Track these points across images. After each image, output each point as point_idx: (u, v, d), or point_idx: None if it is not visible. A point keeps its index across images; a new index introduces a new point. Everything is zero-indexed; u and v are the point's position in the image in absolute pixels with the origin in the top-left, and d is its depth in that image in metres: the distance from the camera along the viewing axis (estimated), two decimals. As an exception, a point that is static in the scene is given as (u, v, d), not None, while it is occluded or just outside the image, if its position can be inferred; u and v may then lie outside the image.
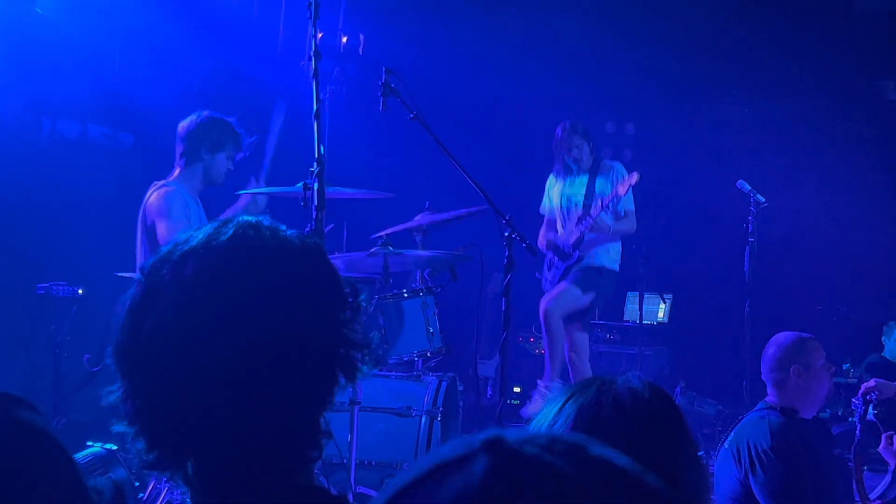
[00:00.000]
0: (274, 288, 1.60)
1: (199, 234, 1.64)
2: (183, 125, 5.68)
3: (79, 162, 7.08)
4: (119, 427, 1.62)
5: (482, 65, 9.95)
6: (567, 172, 7.60)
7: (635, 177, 7.30)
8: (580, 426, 1.81)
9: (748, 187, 7.37)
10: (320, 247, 1.71)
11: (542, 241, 7.63)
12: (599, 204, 7.29)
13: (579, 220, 7.40)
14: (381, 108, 5.64)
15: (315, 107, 4.52)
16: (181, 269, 1.60)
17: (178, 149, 5.69)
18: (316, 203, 4.31)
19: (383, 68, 5.71)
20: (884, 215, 9.48)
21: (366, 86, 6.98)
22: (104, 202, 6.96)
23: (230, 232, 1.63)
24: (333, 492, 1.76)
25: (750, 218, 7.29)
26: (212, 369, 1.55)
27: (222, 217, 5.39)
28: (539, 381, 7.39)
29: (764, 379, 4.68)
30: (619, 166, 7.65)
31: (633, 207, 7.58)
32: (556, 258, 7.56)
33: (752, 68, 9.99)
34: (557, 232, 7.54)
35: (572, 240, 7.39)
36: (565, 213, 7.58)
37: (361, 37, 9.05)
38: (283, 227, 1.71)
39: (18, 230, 6.85)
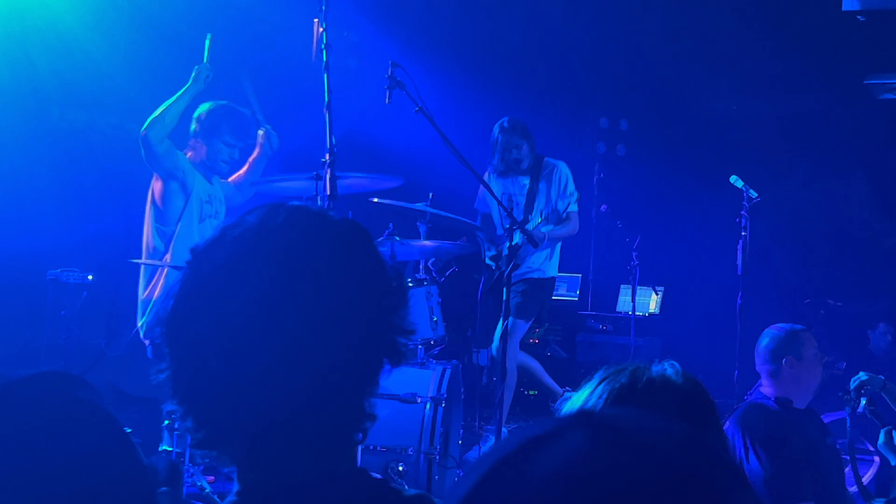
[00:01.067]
0: (325, 272, 1.60)
1: (251, 218, 1.63)
2: (197, 110, 5.83)
3: (87, 151, 7.14)
4: (168, 406, 1.68)
5: (476, 62, 10.01)
6: (507, 170, 7.31)
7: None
8: (612, 405, 1.81)
9: (741, 183, 7.46)
10: (367, 232, 1.70)
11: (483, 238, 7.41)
12: (550, 210, 7.06)
13: (521, 223, 6.78)
14: (386, 101, 5.74)
15: (326, 98, 4.63)
16: (234, 251, 1.60)
17: (189, 132, 5.87)
18: (328, 193, 4.43)
19: (389, 61, 5.82)
20: (871, 210, 9.62)
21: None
22: (114, 188, 7.03)
23: (282, 216, 1.63)
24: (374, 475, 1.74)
25: (743, 213, 7.38)
26: (261, 350, 1.55)
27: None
28: (487, 427, 7.19)
29: (758, 370, 4.78)
30: (562, 166, 7.35)
31: (576, 209, 7.32)
32: (491, 283, 7.22)
33: (744, 65, 10.09)
34: (495, 229, 7.23)
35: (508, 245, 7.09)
36: (503, 212, 7.17)
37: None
38: (331, 212, 1.73)
39: (29, 216, 6.91)
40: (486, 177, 7.30)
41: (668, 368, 1.90)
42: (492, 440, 6.92)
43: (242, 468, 1.60)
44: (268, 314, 1.56)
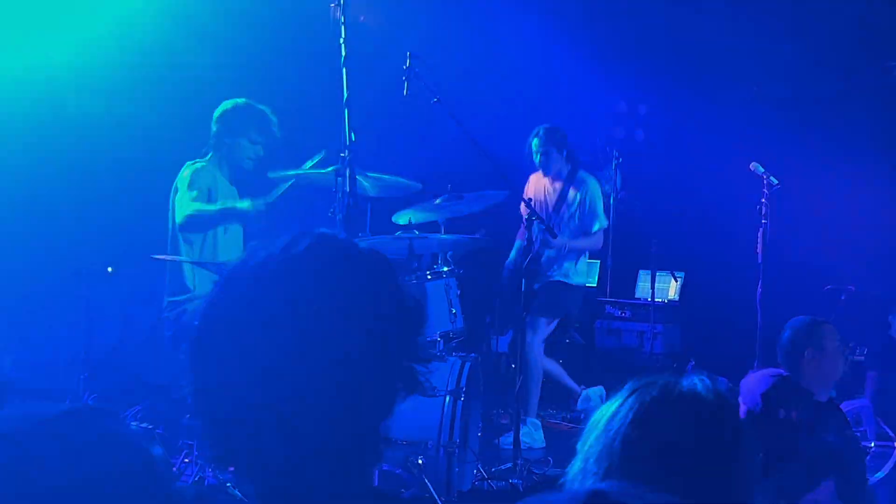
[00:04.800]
0: (346, 300, 1.62)
1: (279, 242, 1.66)
2: (219, 109, 5.81)
3: (106, 142, 7.15)
4: (188, 421, 1.71)
5: (494, 46, 9.98)
6: (544, 175, 7.48)
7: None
8: (638, 422, 1.83)
9: (762, 169, 7.42)
10: (389, 263, 1.73)
11: (521, 240, 7.41)
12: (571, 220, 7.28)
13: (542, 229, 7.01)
14: (404, 93, 5.73)
15: (346, 93, 4.62)
16: (257, 278, 1.63)
17: (211, 132, 5.82)
18: (347, 189, 4.43)
19: (407, 52, 5.80)
20: (892, 194, 9.55)
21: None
22: (132, 178, 7.05)
23: (307, 242, 1.66)
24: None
25: (763, 200, 7.35)
26: (280, 377, 1.57)
27: None
28: (525, 416, 7.13)
29: (779, 361, 4.78)
30: (591, 182, 7.46)
31: (604, 226, 7.50)
32: (512, 276, 7.38)
33: (763, 49, 10.02)
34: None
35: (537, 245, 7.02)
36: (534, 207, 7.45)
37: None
38: (357, 242, 1.74)
39: (48, 208, 6.94)
40: (529, 178, 7.57)
41: (699, 383, 1.88)
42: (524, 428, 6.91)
43: (256, 487, 1.62)
44: (288, 342, 1.58)
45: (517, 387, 6.22)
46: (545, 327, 7.35)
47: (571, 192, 7.38)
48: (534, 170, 7.59)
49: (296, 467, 1.59)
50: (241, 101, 5.80)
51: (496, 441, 6.94)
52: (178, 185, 5.68)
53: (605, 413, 1.90)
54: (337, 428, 1.59)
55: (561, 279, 7.39)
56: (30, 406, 1.52)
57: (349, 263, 1.67)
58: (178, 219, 5.56)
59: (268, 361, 1.57)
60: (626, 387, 1.93)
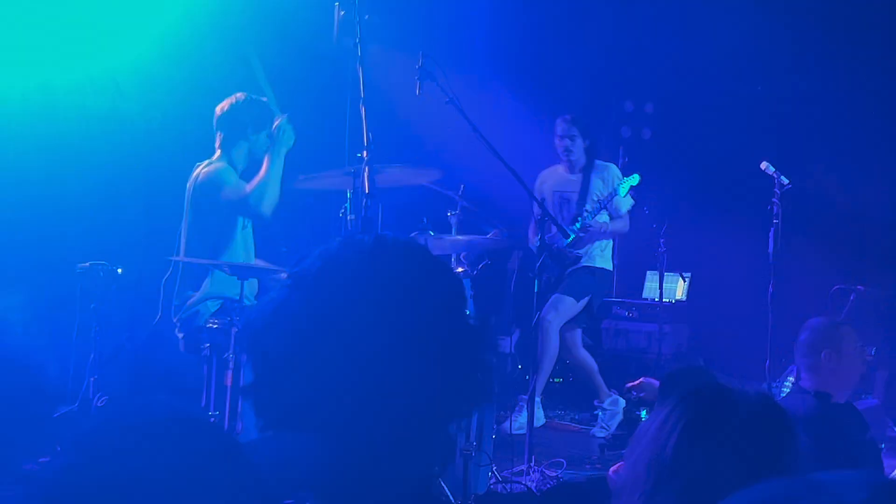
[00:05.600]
0: (420, 310, 1.64)
1: (358, 246, 1.70)
2: (222, 108, 5.73)
3: (114, 141, 7.11)
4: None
5: (498, 45, 9.95)
6: (561, 169, 7.58)
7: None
8: (692, 431, 1.82)
9: (772, 169, 7.39)
10: (458, 279, 1.83)
11: (532, 241, 7.49)
12: (600, 211, 7.35)
13: (574, 220, 7.36)
14: (416, 93, 5.70)
15: (362, 93, 4.58)
16: (326, 274, 1.65)
17: (219, 132, 5.75)
18: (366, 189, 4.39)
19: (420, 52, 5.77)
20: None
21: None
22: (141, 183, 7.02)
23: (394, 247, 1.70)
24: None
25: (774, 200, 7.31)
26: (346, 382, 1.58)
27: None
28: (521, 396, 7.27)
29: (797, 363, 4.75)
30: (613, 168, 7.66)
31: (629, 209, 7.63)
32: (550, 260, 7.26)
33: (771, 46, 9.99)
34: (548, 231, 7.37)
35: (567, 242, 7.28)
36: (557, 212, 7.48)
37: None
38: (428, 248, 1.78)
39: (60, 210, 6.91)
40: (540, 175, 7.66)
41: (749, 392, 1.88)
42: (524, 411, 6.90)
43: (317, 493, 1.63)
44: (356, 346, 1.59)
45: (531, 388, 6.17)
46: (569, 308, 7.40)
47: (596, 181, 7.47)
48: (545, 165, 7.59)
49: (357, 473, 1.59)
50: (252, 97, 5.74)
51: (502, 426, 6.88)
52: (212, 188, 5.62)
53: (654, 421, 1.88)
54: (401, 433, 1.60)
55: (587, 264, 7.50)
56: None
57: (427, 277, 1.69)
58: (266, 209, 5.47)
59: (335, 365, 1.59)
60: (675, 395, 1.91)
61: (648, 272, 9.76)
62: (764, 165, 7.44)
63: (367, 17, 9.26)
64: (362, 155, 4.42)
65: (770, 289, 7.30)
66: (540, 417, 7.24)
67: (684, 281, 9.58)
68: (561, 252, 7.29)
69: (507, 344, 8.98)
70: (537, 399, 7.27)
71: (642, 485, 1.80)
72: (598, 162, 7.58)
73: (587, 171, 7.49)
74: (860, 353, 4.77)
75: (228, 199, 5.51)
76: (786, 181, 7.36)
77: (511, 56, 10.05)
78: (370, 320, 1.61)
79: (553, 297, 7.28)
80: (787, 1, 9.59)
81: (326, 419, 1.58)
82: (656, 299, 8.91)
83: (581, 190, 7.44)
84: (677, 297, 9.67)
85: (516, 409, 7.19)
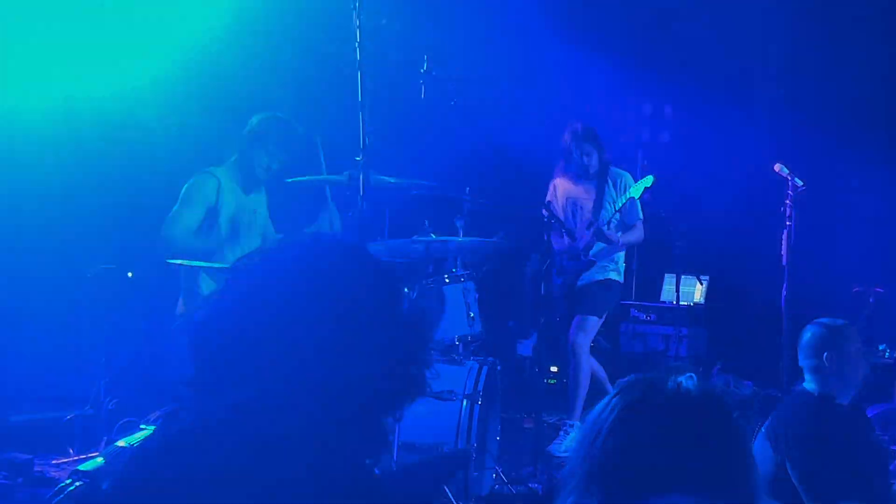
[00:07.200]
0: (359, 307, 1.70)
1: (296, 243, 1.79)
2: (249, 121, 5.88)
3: (126, 146, 7.18)
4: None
5: (517, 47, 9.95)
6: (574, 176, 7.44)
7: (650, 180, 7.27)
8: (620, 424, 1.76)
9: (786, 171, 7.34)
10: (398, 274, 1.83)
11: (556, 245, 7.44)
12: (614, 217, 7.26)
13: (589, 225, 7.27)
14: (421, 96, 5.72)
15: (360, 97, 4.62)
16: (262, 269, 1.73)
17: (240, 143, 5.92)
18: (361, 192, 4.42)
19: (424, 56, 5.80)
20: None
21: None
22: (152, 187, 7.07)
23: (329, 244, 1.78)
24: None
25: (788, 202, 7.27)
26: (279, 371, 1.65)
27: None
28: (567, 420, 7.29)
29: (800, 365, 4.72)
30: (627, 176, 7.50)
31: (641, 217, 7.50)
32: (566, 263, 7.40)
33: (788, 48, 9.94)
34: (561, 237, 7.24)
35: (582, 245, 7.24)
36: (570, 218, 7.45)
37: None
38: (366, 248, 1.86)
39: (70, 213, 6.98)
40: (553, 181, 7.52)
41: (685, 381, 1.80)
42: (571, 433, 6.97)
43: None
44: (288, 338, 1.66)
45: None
46: (594, 327, 7.37)
47: (610, 189, 7.39)
48: (557, 174, 7.54)
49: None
50: (265, 113, 5.86)
51: (547, 448, 6.88)
52: (184, 190, 5.74)
53: (592, 414, 1.84)
54: (333, 421, 1.64)
55: (602, 277, 7.43)
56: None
57: (357, 271, 1.75)
58: (163, 237, 5.58)
59: (262, 355, 1.65)
60: (615, 386, 1.87)
61: (666, 275, 9.73)
62: (778, 167, 7.39)
63: (384, 21, 9.32)
64: (359, 159, 4.46)
65: (784, 291, 7.25)
66: None
67: (702, 284, 9.54)
68: (576, 256, 7.26)
69: (526, 347, 8.98)
70: (577, 423, 7.28)
71: (575, 479, 1.78)
72: (612, 169, 7.49)
73: (601, 178, 7.40)
74: (863, 353, 4.73)
75: (171, 215, 5.62)
76: (800, 183, 7.31)
77: (529, 58, 10.05)
78: (303, 314, 1.66)
79: (576, 318, 7.21)
80: (806, 2, 9.53)
81: (260, 408, 1.62)
82: (674, 302, 8.89)
83: (595, 197, 7.38)
84: (695, 300, 9.63)
85: (561, 432, 7.20)
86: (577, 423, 7.18)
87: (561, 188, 7.49)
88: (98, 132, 7.17)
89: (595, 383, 7.63)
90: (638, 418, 1.76)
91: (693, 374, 1.81)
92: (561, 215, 7.31)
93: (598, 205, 7.34)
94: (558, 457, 6.49)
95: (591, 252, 7.27)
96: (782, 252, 7.26)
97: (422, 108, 6.04)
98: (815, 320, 4.76)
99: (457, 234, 6.12)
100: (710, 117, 10.27)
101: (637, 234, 7.52)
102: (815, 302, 6.94)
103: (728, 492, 1.71)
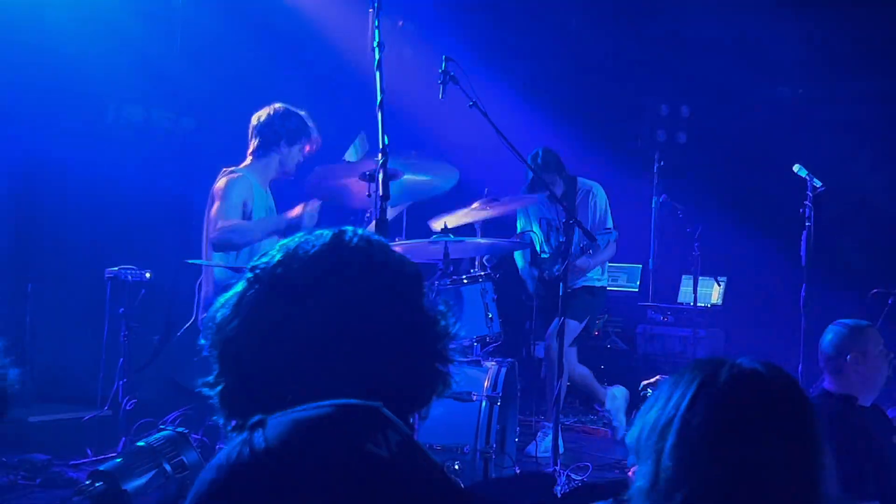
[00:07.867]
0: (387, 303, 1.70)
1: (317, 240, 1.76)
2: (259, 116, 5.78)
3: (144, 148, 7.20)
4: (216, 418, 1.73)
5: (533, 49, 9.95)
6: (543, 199, 7.26)
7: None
8: (698, 402, 1.79)
9: (805, 172, 7.31)
10: (420, 272, 1.82)
11: (521, 266, 7.55)
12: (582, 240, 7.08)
13: (560, 247, 7.04)
14: (440, 97, 5.70)
15: (379, 97, 4.59)
16: (284, 266, 1.73)
17: (254, 139, 5.79)
18: (380, 193, 4.40)
19: (443, 56, 5.77)
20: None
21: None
22: (170, 188, 7.09)
23: (352, 241, 1.76)
24: None
25: (807, 203, 7.24)
26: (307, 371, 1.64)
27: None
28: (544, 422, 7.23)
29: (821, 366, 4.70)
30: (597, 189, 7.36)
31: (615, 237, 7.14)
32: (541, 286, 7.39)
33: (806, 49, 9.89)
34: (536, 254, 7.27)
35: (557, 271, 7.00)
36: (543, 237, 7.43)
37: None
38: (391, 246, 1.83)
39: (88, 214, 7.00)
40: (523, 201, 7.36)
41: (756, 363, 1.88)
42: (549, 436, 6.88)
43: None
44: (312, 336, 1.65)
45: (556, 392, 6.14)
46: (573, 331, 7.31)
47: (581, 206, 7.29)
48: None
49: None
50: (290, 109, 5.79)
51: (534, 444, 6.89)
52: (215, 196, 5.64)
53: (664, 392, 1.85)
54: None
55: (585, 284, 7.43)
56: None
57: (386, 271, 1.74)
58: (213, 233, 5.50)
59: (310, 356, 1.64)
60: (687, 367, 1.88)
61: (683, 276, 9.71)
62: (796, 168, 7.37)
63: (400, 23, 9.33)
64: (378, 159, 4.44)
65: (802, 292, 7.23)
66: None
67: (719, 285, 9.52)
68: (553, 279, 7.15)
69: (539, 349, 8.96)
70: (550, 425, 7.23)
71: (650, 452, 1.77)
72: (580, 182, 7.37)
73: (570, 197, 7.29)
74: (885, 355, 4.70)
75: (211, 214, 5.55)
76: (819, 184, 7.29)
77: (545, 60, 10.05)
78: (326, 311, 1.65)
79: (555, 321, 7.03)
80: (824, 4, 9.48)
81: (286, 406, 1.59)
82: (691, 304, 8.86)
83: (567, 216, 7.29)
84: (713, 302, 9.61)
85: (539, 434, 7.13)
86: (550, 426, 7.15)
87: (532, 207, 7.45)
88: (115, 134, 7.19)
89: (583, 387, 7.59)
90: (720, 399, 1.79)
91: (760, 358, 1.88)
92: (535, 237, 7.38)
93: (570, 225, 7.27)
94: (535, 457, 6.45)
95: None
96: (801, 253, 7.24)
97: (440, 109, 6.02)
98: (838, 321, 4.74)
99: (475, 235, 6.12)
100: (728, 118, 10.26)
101: (608, 254, 7.41)
102: (833, 303, 6.91)
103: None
